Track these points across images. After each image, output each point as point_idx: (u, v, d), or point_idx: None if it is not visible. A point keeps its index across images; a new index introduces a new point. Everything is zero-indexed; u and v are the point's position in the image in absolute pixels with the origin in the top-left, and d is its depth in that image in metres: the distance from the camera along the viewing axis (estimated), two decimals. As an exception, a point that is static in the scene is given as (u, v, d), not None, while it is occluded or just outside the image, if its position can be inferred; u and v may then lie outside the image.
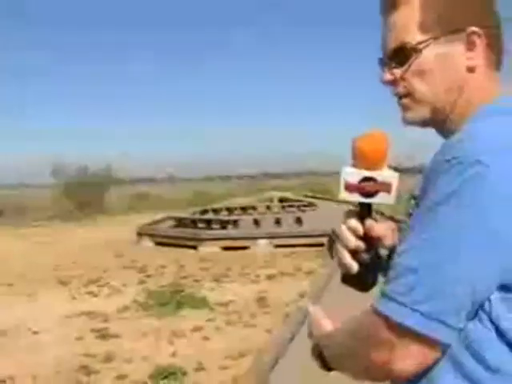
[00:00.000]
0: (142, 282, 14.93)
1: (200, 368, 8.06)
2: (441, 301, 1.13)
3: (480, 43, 1.32)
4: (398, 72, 1.37)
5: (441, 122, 1.39)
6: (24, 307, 12.18)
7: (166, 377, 7.77)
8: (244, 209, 31.46)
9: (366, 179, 1.39)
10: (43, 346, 9.30)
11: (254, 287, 13.72)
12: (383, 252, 1.49)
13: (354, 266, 1.43)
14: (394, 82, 1.38)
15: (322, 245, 20.15)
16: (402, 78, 1.37)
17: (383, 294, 1.20)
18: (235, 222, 22.72)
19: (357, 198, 1.41)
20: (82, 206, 39.51)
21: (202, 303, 11.95)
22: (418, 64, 1.33)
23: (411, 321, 1.14)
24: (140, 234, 23.62)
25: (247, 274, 15.58)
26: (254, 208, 32.43)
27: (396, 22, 1.35)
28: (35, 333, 10.11)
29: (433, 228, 1.14)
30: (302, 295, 11.88)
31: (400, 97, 1.40)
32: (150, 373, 7.89)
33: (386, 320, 1.18)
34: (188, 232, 22.38)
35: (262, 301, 12.15)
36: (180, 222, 25.33)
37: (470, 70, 1.33)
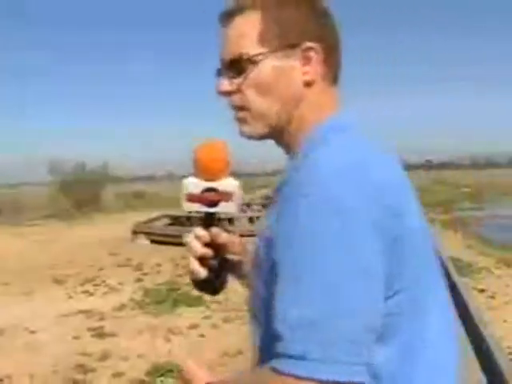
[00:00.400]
0: (138, 280, 14.98)
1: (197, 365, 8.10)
2: (351, 345, 1.09)
3: (316, 58, 1.33)
4: (234, 83, 1.36)
5: (278, 136, 1.41)
6: (20, 306, 12.21)
7: (162, 374, 7.83)
8: (239, 205, 31.36)
9: (208, 189, 1.43)
10: (40, 345, 9.34)
11: (249, 284, 13.74)
12: (231, 257, 1.61)
13: (202, 272, 1.50)
14: (230, 93, 1.37)
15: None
16: (239, 90, 1.36)
17: (289, 356, 1.10)
18: (230, 220, 22.73)
19: (200, 208, 1.47)
20: (79, 204, 39.41)
21: (198, 301, 12.00)
22: (255, 76, 1.32)
23: (334, 374, 1.07)
24: (135, 233, 23.63)
25: (243, 271, 15.61)
26: (248, 205, 32.42)
27: (234, 33, 1.35)
28: (32, 332, 10.15)
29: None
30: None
31: (236, 109, 1.39)
32: (147, 370, 7.95)
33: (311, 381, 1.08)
34: (183, 230, 22.39)
35: (257, 297, 12.19)
36: (176, 220, 25.36)
37: (307, 84, 1.34)
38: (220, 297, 12.37)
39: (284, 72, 1.32)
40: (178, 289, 13.40)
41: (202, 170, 1.42)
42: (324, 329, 1.08)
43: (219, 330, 9.98)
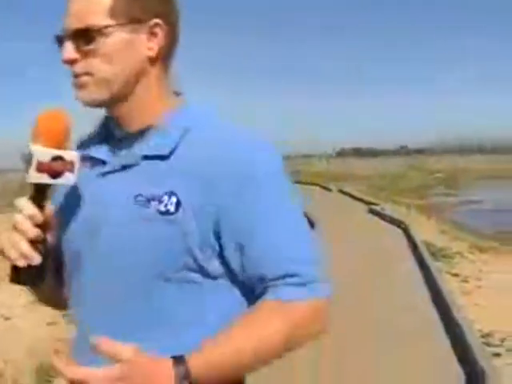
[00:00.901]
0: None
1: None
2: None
3: (161, 35, 1.39)
4: (81, 51, 1.36)
5: (116, 105, 1.42)
6: (-5, 293, 12.12)
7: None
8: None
9: (56, 158, 1.31)
10: (15, 332, 9.27)
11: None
12: (50, 239, 1.39)
13: (37, 258, 1.31)
14: (74, 61, 1.37)
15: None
16: (85, 57, 1.37)
17: (305, 284, 1.39)
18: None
19: (46, 179, 1.31)
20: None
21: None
22: (102, 46, 1.35)
23: (327, 290, 1.47)
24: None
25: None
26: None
27: (83, 3, 1.36)
28: (7, 319, 10.07)
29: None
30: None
31: (76, 75, 1.38)
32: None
33: (319, 300, 1.43)
34: None
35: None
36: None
37: (150, 60, 1.40)
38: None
39: (130, 45, 1.37)
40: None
41: (48, 137, 1.31)
42: (317, 261, 1.43)
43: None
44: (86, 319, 1.44)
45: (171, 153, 1.36)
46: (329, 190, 33.58)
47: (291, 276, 1.35)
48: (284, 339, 1.33)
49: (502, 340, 8.00)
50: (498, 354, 7.47)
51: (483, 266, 13.08)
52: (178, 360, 1.23)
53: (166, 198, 1.32)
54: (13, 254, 1.29)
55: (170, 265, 1.33)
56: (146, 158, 1.38)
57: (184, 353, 1.24)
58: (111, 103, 1.41)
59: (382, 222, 18.03)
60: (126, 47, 1.36)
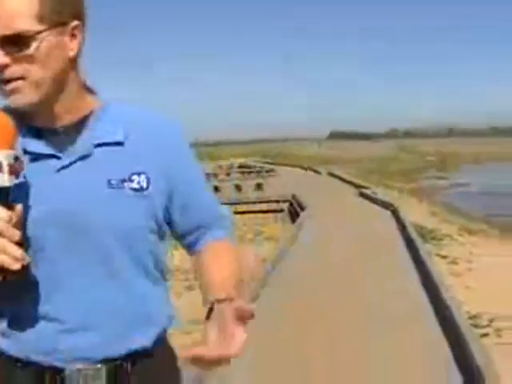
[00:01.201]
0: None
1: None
2: None
3: (80, 36, 1.49)
4: (12, 56, 1.41)
5: (48, 105, 1.49)
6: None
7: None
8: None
9: (15, 158, 1.36)
10: None
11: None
12: None
13: (27, 257, 1.36)
14: (5, 67, 1.41)
15: (282, 210, 20.29)
16: (16, 63, 1.41)
17: (228, 227, 1.70)
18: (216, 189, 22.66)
19: (14, 180, 1.36)
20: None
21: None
22: (35, 52, 1.41)
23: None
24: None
25: (208, 241, 15.60)
26: (215, 175, 32.35)
27: (11, 10, 1.39)
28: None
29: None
30: (262, 260, 11.99)
31: (8, 80, 1.43)
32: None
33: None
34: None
35: (223, 266, 12.22)
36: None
37: (72, 60, 1.49)
38: (184, 265, 12.39)
39: (58, 48, 1.45)
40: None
41: (4, 139, 1.36)
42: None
43: (184, 299, 9.98)
44: (62, 303, 1.51)
45: (123, 138, 1.53)
46: (318, 173, 33.55)
47: (219, 222, 1.67)
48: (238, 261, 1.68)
49: (491, 321, 8.07)
50: (486, 335, 7.54)
51: (473, 249, 13.14)
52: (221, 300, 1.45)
53: (135, 177, 1.52)
54: (7, 260, 1.33)
55: (142, 231, 1.54)
56: (99, 146, 1.51)
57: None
58: (42, 103, 1.47)
59: (372, 205, 18.04)
60: (55, 50, 1.44)
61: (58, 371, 1.50)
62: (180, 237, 1.69)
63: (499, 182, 32.42)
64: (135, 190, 1.52)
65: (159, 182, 1.55)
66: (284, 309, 7.63)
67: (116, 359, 1.52)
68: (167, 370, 1.64)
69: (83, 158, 1.50)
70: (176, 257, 13.54)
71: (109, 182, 1.50)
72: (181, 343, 5.73)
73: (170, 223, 1.64)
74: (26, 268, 1.37)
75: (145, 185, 1.53)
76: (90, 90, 1.59)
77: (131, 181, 1.52)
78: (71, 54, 1.47)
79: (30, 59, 1.41)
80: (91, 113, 1.55)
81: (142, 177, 1.53)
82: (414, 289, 8.18)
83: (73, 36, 1.47)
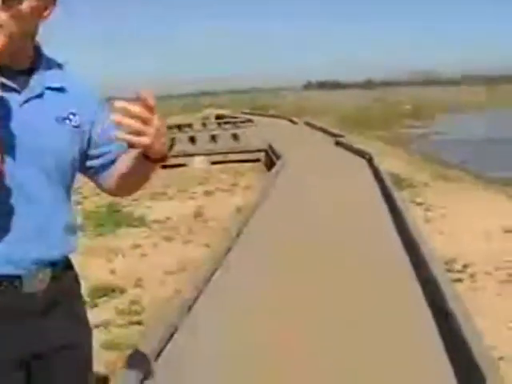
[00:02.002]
0: (77, 204, 14.77)
1: (139, 285, 8.12)
2: None
3: (54, 6, 1.86)
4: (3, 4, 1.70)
5: (11, 53, 1.78)
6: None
7: (104, 295, 7.80)
8: (180, 127, 31.09)
9: None
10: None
11: (191, 204, 13.77)
12: None
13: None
14: None
15: (258, 160, 20.25)
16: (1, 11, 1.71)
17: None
18: (171, 140, 22.42)
19: None
20: None
21: (139, 221, 11.96)
22: (23, 7, 1.73)
23: None
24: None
25: (184, 192, 15.60)
26: (190, 126, 32.07)
27: None
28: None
29: None
30: (239, 210, 11.97)
31: None
32: (89, 292, 7.89)
33: None
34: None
35: (199, 217, 12.23)
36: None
37: (43, 21, 1.85)
38: (161, 217, 12.38)
39: (38, 10, 1.80)
40: (119, 210, 13.30)
41: None
42: None
43: (160, 249, 9.98)
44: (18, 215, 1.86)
45: (63, 85, 1.98)
46: (295, 123, 33.42)
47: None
48: None
49: (465, 266, 8.13)
50: (460, 280, 7.59)
51: (448, 195, 13.21)
52: None
53: (72, 116, 1.97)
54: None
55: (74, 158, 2.02)
56: (48, 89, 1.93)
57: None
58: (7, 50, 1.75)
59: (348, 154, 18.05)
60: (36, 12, 1.79)
61: (13, 277, 1.87)
62: (91, 162, 2.09)
63: (475, 130, 32.57)
64: (73, 126, 1.97)
65: (86, 122, 2.02)
66: (260, 258, 7.62)
67: (55, 263, 1.99)
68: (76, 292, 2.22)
69: (38, 96, 1.89)
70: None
71: (56, 118, 1.94)
72: (157, 294, 5.76)
73: (86, 155, 2.07)
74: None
75: (78, 123, 1.99)
76: (38, 44, 1.95)
77: (69, 119, 1.97)
78: (44, 17, 1.83)
79: (16, 13, 1.72)
80: (40, 62, 1.93)
81: (77, 117, 1.99)
82: (388, 234, 8.20)
83: (51, 3, 1.83)
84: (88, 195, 16.10)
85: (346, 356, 4.58)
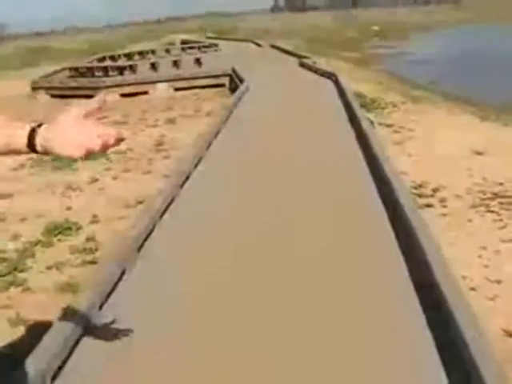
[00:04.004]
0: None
1: (95, 221, 7.77)
2: None
3: None
4: None
5: None
6: None
7: (60, 232, 7.45)
8: (142, 53, 30.23)
9: None
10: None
11: (152, 132, 13.32)
12: None
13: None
14: None
15: (223, 85, 19.72)
16: None
17: None
18: (132, 67, 21.76)
19: None
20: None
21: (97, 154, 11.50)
22: None
23: None
24: (34, 89, 22.45)
25: (146, 120, 15.11)
26: (153, 52, 31.18)
27: None
28: None
29: None
30: (201, 136, 11.54)
31: None
32: (44, 230, 7.55)
33: None
34: (84, 81, 21.41)
35: (160, 145, 11.82)
36: (76, 72, 24.17)
37: None
38: (121, 147, 11.93)
39: None
40: (78, 143, 12.80)
41: None
42: None
43: (119, 182, 9.59)
44: None
45: None
46: (260, 45, 32.68)
47: None
48: None
49: (435, 190, 7.86)
50: (430, 205, 7.33)
51: (416, 116, 12.89)
52: None
53: None
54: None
55: None
56: None
57: None
58: None
59: (313, 75, 17.56)
60: None
61: None
62: None
63: (444, 50, 32.18)
64: None
65: None
66: (219, 186, 7.26)
67: None
68: None
69: None
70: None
71: None
72: (114, 229, 5.37)
73: None
74: None
75: None
76: None
77: None
78: None
79: None
80: None
81: None
82: (354, 160, 7.84)
83: None
84: (47, 127, 15.58)
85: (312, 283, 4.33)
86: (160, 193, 6.58)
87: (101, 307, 4.18)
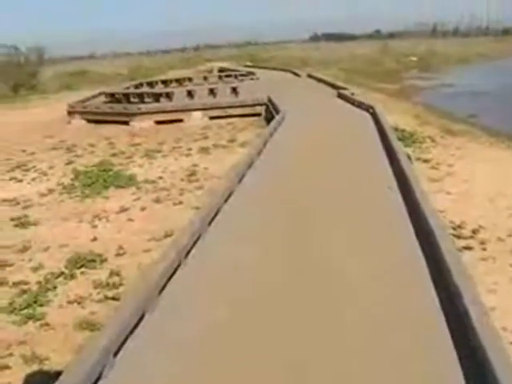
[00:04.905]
0: (69, 163, 14.18)
1: (121, 253, 7.56)
2: None
3: None
4: None
5: None
6: None
7: (83, 265, 7.24)
8: (179, 81, 30.24)
9: None
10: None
11: (185, 161, 13.13)
12: None
13: None
14: None
15: (258, 114, 19.52)
16: None
17: None
18: (168, 95, 21.67)
19: None
20: (15, 87, 37.95)
21: (129, 181, 11.34)
22: None
23: None
24: (70, 113, 22.52)
25: (179, 148, 14.94)
26: (190, 79, 31.21)
27: None
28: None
29: None
30: (233, 167, 11.31)
31: None
32: (67, 261, 7.35)
33: None
34: (119, 107, 21.38)
35: (192, 175, 11.61)
36: (112, 97, 24.19)
37: None
38: (153, 176, 11.76)
39: None
40: (110, 170, 12.67)
41: None
42: None
43: (148, 212, 9.37)
44: None
45: None
46: (298, 75, 32.50)
47: None
48: None
49: (474, 232, 7.49)
50: (469, 248, 6.96)
51: (455, 151, 12.52)
52: None
53: None
54: None
55: None
56: None
57: None
58: None
59: (351, 107, 17.26)
60: None
61: None
62: None
63: (484, 83, 31.71)
64: None
65: None
66: (252, 206, 6.97)
67: None
68: None
69: None
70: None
71: None
72: (138, 263, 5.09)
73: None
74: None
75: None
76: None
77: None
78: None
79: None
80: None
81: None
82: (389, 196, 7.50)
83: None
84: (81, 153, 15.53)
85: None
86: (187, 229, 6.31)
87: (116, 354, 3.91)
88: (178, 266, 5.42)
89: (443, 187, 9.55)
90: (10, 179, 13.04)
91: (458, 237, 7.25)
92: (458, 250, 5.78)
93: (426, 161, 11.52)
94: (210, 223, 6.69)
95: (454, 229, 7.48)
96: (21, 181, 12.81)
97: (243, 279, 5.22)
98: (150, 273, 5.09)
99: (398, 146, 10.02)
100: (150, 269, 5.38)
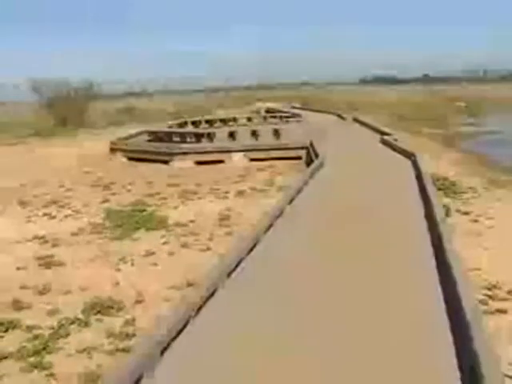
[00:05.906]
0: (104, 201, 14.12)
1: (139, 301, 7.33)
2: None
3: None
4: None
5: None
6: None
7: (99, 311, 7.03)
8: (224, 121, 30.31)
9: None
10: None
11: (220, 204, 12.93)
12: None
13: None
14: None
15: (299, 158, 19.31)
16: None
17: None
18: (209, 135, 21.65)
19: None
20: (64, 121, 38.55)
21: (160, 224, 11.17)
22: None
23: None
24: (112, 150, 22.66)
25: (217, 190, 14.77)
26: (234, 120, 31.25)
27: None
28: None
29: None
30: (265, 215, 11.05)
31: None
32: (84, 307, 7.15)
33: None
34: (161, 146, 21.41)
35: (224, 220, 11.37)
36: (155, 136, 24.30)
37: None
38: (185, 219, 11.56)
39: None
40: (144, 210, 12.55)
41: None
42: None
43: (175, 258, 9.15)
44: None
45: None
46: (343, 118, 32.33)
47: None
48: None
49: (510, 292, 7.05)
50: (502, 311, 6.52)
51: (498, 203, 12.02)
52: None
53: None
54: None
55: None
56: None
57: None
58: None
59: (393, 153, 16.93)
60: None
61: None
62: None
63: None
64: None
65: None
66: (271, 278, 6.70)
67: None
68: None
69: None
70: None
71: None
72: (154, 314, 4.82)
73: None
74: None
75: None
76: None
77: None
78: None
79: None
80: None
81: None
82: (420, 245, 7.19)
83: None
84: (117, 191, 15.48)
85: None
86: (203, 282, 6.07)
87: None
88: (187, 322, 5.17)
89: (481, 242, 9.12)
90: (44, 215, 13.01)
91: (492, 298, 6.82)
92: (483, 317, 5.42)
93: (465, 213, 11.07)
94: (228, 276, 6.45)
95: (488, 289, 7.06)
96: (54, 217, 12.77)
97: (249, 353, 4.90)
98: (157, 329, 4.85)
99: (434, 197, 9.65)
100: (157, 324, 5.15)
